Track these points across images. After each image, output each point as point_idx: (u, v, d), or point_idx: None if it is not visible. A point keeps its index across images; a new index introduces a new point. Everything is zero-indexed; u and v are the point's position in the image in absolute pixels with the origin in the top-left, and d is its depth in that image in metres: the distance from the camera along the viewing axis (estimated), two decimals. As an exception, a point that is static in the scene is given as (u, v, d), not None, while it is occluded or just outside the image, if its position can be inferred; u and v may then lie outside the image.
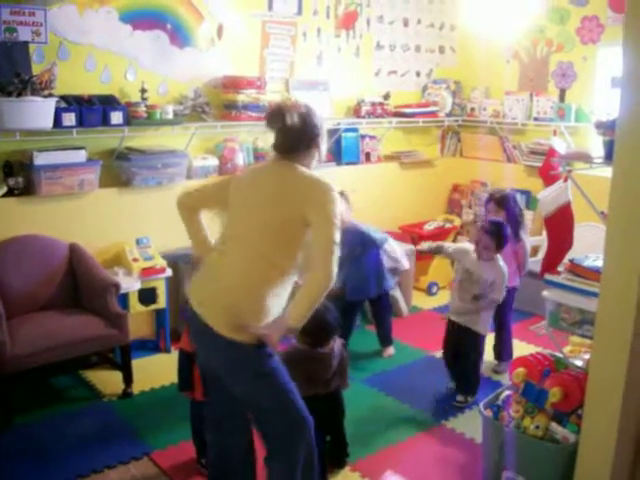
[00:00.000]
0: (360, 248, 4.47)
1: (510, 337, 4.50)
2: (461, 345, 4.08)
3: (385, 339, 4.77)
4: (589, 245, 3.49)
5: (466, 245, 4.19)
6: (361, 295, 4.62)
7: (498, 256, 3.97)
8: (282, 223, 2.57)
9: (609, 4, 5.38)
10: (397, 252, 4.86)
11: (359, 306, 4.79)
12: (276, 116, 2.66)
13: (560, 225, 3.14)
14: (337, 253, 2.51)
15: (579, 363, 3.32)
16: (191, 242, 2.99)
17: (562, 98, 5.83)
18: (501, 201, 4.36)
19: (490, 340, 4.52)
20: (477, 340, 4.03)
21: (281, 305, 2.64)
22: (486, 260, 3.94)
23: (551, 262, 3.18)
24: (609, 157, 2.81)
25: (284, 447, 2.65)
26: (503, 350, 4.49)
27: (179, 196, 2.91)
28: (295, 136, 2.66)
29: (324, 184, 2.58)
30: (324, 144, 2.78)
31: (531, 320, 5.26)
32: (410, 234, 6.00)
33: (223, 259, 2.66)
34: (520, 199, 5.98)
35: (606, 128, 2.87)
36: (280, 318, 2.60)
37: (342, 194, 3.96)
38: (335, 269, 2.50)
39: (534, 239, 5.68)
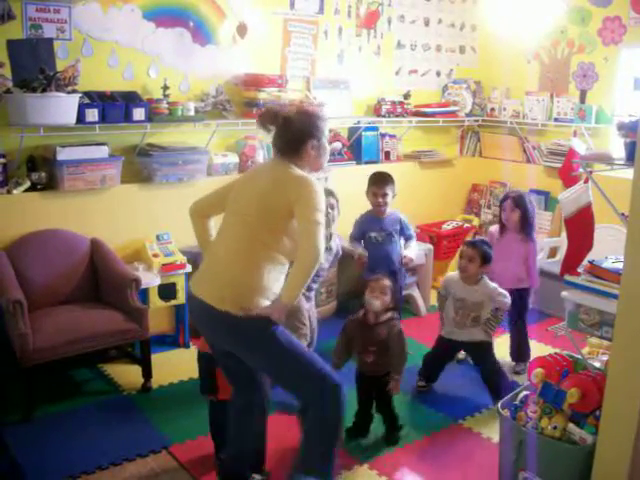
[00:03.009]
0: (396, 235, 4.62)
1: (527, 338, 4.50)
2: (475, 360, 4.16)
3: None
4: (609, 247, 3.49)
5: (449, 274, 4.24)
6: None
7: (484, 277, 4.01)
8: (268, 209, 2.75)
9: (632, 5, 5.35)
10: None
11: None
12: (265, 118, 2.88)
13: (580, 226, 3.13)
14: (321, 234, 2.67)
15: (597, 364, 3.31)
16: (201, 249, 3.19)
17: (583, 99, 5.81)
18: (518, 200, 4.39)
19: (506, 341, 4.54)
20: (485, 348, 4.04)
21: (279, 285, 2.79)
22: (472, 284, 3.99)
23: (571, 263, 3.17)
24: (630, 158, 2.80)
25: (312, 405, 2.79)
26: (521, 351, 4.49)
27: (191, 205, 3.11)
28: (284, 139, 2.84)
29: (306, 179, 2.76)
30: (318, 150, 2.88)
31: (550, 321, 5.24)
32: (428, 233, 5.99)
33: (219, 245, 2.87)
34: (539, 200, 6.00)
35: (628, 129, 2.86)
36: (277, 298, 2.76)
37: (331, 193, 4.08)
38: (321, 247, 2.66)
39: (553, 240, 5.68)
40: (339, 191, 5.03)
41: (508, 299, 3.98)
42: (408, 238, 4.69)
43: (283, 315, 2.75)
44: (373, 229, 4.56)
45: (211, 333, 2.91)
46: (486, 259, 3.96)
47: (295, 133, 2.81)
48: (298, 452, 2.87)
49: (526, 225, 4.37)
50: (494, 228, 4.59)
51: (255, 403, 3.01)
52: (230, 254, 2.78)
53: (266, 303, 2.74)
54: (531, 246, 4.42)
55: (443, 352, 4.19)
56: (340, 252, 4.33)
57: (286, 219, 2.74)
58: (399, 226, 4.64)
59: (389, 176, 4.58)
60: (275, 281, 2.78)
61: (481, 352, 4.04)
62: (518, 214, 4.36)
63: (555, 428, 2.96)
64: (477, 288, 3.99)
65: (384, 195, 4.52)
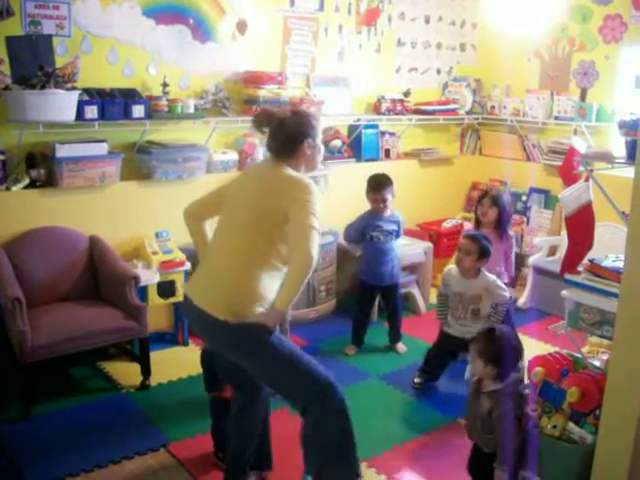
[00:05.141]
0: (394, 235, 4.63)
1: (515, 333, 4.48)
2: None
3: (397, 334, 4.78)
4: (609, 245, 3.48)
5: (447, 268, 4.22)
6: (379, 281, 4.66)
7: (483, 270, 4.01)
8: (265, 216, 2.72)
9: (632, 3, 5.33)
10: None
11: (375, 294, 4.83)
12: (259, 120, 2.89)
13: (581, 225, 3.12)
14: (316, 239, 2.63)
15: (597, 363, 3.31)
16: (196, 252, 3.16)
17: (583, 97, 5.79)
18: (497, 198, 4.47)
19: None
20: None
21: (274, 291, 2.76)
22: (471, 277, 3.98)
23: (571, 262, 3.16)
24: (631, 157, 2.80)
25: (310, 410, 2.77)
26: None
27: (185, 207, 3.09)
28: (279, 140, 2.83)
29: (301, 181, 2.74)
30: (313, 150, 2.88)
31: (549, 320, 5.23)
32: (428, 231, 5.99)
33: (215, 251, 2.86)
34: (539, 198, 6.00)
35: (629, 128, 2.86)
36: (271, 305, 2.73)
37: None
38: (314, 252, 2.60)
39: (552, 239, 5.67)
40: (339, 189, 5.06)
41: (507, 292, 3.98)
42: (397, 237, 4.72)
43: (278, 322, 2.74)
44: (374, 228, 4.55)
45: (206, 337, 2.92)
46: (484, 253, 3.95)
47: (291, 134, 2.81)
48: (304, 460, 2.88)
49: (501, 223, 4.46)
50: (469, 225, 4.61)
51: (256, 401, 3.00)
52: (226, 261, 2.76)
53: (261, 310, 2.71)
54: (508, 241, 4.50)
55: (445, 347, 4.17)
56: None
57: (281, 224, 2.70)
58: (397, 227, 4.65)
59: (387, 179, 4.57)
60: (271, 288, 2.76)
61: None
62: (495, 212, 4.44)
63: (555, 427, 2.97)
64: (475, 281, 3.97)
65: (384, 200, 4.52)
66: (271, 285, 2.76)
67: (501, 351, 2.90)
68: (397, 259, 4.71)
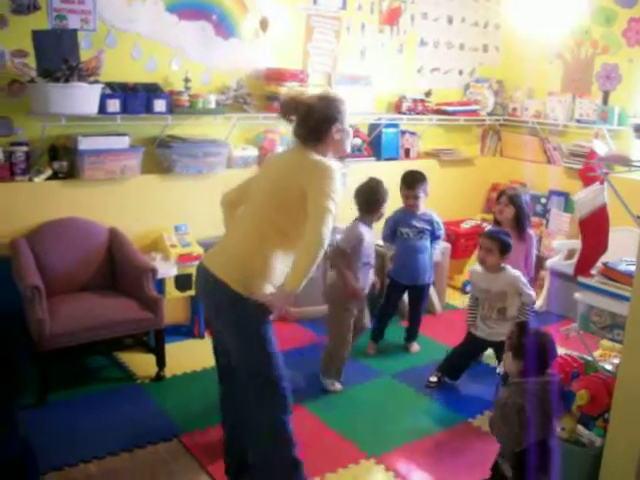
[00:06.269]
0: (426, 234, 4.64)
1: None
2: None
3: (414, 334, 4.79)
4: (624, 249, 3.46)
5: (472, 267, 4.21)
6: (409, 280, 4.67)
7: (506, 266, 4.00)
8: (285, 194, 2.76)
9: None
10: None
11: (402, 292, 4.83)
12: (287, 107, 2.92)
13: (595, 227, 3.11)
14: (330, 222, 2.64)
15: (609, 367, 3.30)
16: None
17: (605, 100, 5.76)
18: (514, 197, 4.50)
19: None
20: None
21: (285, 273, 2.79)
22: (494, 272, 3.98)
23: (585, 264, 3.16)
24: (648, 161, 2.80)
25: (255, 403, 2.83)
26: None
27: (222, 196, 3.13)
28: (307, 126, 2.84)
29: (324, 163, 2.75)
30: (342, 134, 2.89)
31: (565, 324, 5.19)
32: (447, 232, 5.98)
33: (235, 228, 2.92)
34: (558, 202, 5.98)
35: (645, 132, 2.86)
36: (280, 287, 2.76)
37: None
38: (325, 234, 2.62)
39: (571, 242, 5.64)
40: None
41: (532, 292, 3.97)
42: (435, 238, 4.72)
43: (287, 304, 2.76)
44: (404, 225, 4.56)
45: (213, 309, 2.91)
46: (505, 249, 3.95)
47: (319, 119, 2.82)
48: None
49: (520, 222, 4.47)
50: (489, 226, 4.62)
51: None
52: (244, 238, 2.80)
53: (270, 289, 2.75)
54: (528, 242, 4.51)
55: (470, 349, 4.18)
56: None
57: (299, 203, 2.70)
58: (430, 227, 4.65)
59: (421, 175, 4.60)
60: (282, 269, 2.78)
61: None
62: (512, 211, 4.47)
63: (564, 429, 2.97)
64: (499, 276, 3.98)
65: (415, 197, 4.55)
66: (283, 266, 2.79)
67: (530, 348, 2.90)
68: (429, 260, 4.70)
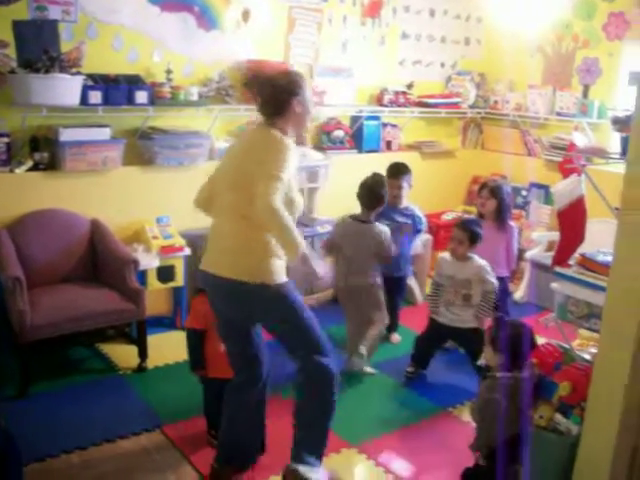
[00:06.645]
0: (406, 228, 4.68)
1: None
2: (466, 348, 4.17)
3: (394, 325, 4.82)
4: (602, 241, 3.51)
5: (440, 255, 4.28)
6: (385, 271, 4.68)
7: (473, 255, 4.06)
8: (245, 177, 2.77)
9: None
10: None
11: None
12: (250, 82, 2.91)
13: (573, 219, 3.15)
14: (276, 187, 2.65)
15: (587, 357, 3.35)
16: None
17: (586, 94, 5.81)
18: (495, 190, 4.54)
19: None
20: (476, 336, 3.92)
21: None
22: (462, 260, 4.04)
23: (562, 255, 3.20)
24: (625, 153, 2.83)
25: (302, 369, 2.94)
26: None
27: (194, 201, 3.10)
28: (268, 99, 2.90)
29: (280, 140, 2.80)
30: (303, 108, 2.92)
31: (544, 314, 5.26)
32: (428, 224, 6.01)
33: (221, 222, 2.92)
34: (539, 194, 6.03)
35: (622, 124, 2.89)
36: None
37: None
38: (272, 197, 2.62)
39: (551, 234, 5.69)
40: (340, 180, 5.09)
41: (495, 280, 4.03)
42: (416, 232, 4.77)
43: (314, 265, 2.86)
44: (386, 218, 4.58)
45: (227, 305, 2.95)
46: (474, 239, 4.02)
47: (278, 93, 2.87)
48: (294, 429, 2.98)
49: (501, 214, 4.52)
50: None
51: (257, 379, 3.08)
52: (233, 227, 2.83)
53: (279, 263, 2.83)
54: (509, 233, 4.55)
55: (433, 336, 4.22)
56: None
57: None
58: (411, 221, 4.68)
59: (404, 167, 4.64)
60: (268, 244, 2.82)
61: (472, 339, 3.99)
62: (494, 203, 4.51)
63: (541, 417, 3.00)
64: (466, 265, 4.04)
65: (399, 187, 4.58)
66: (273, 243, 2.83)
67: (506, 341, 2.93)
68: (407, 252, 4.75)
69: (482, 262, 4.05)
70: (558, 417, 3.00)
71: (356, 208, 4.32)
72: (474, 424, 3.06)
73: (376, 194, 4.19)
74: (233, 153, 3.00)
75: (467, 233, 4.01)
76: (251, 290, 2.79)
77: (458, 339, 4.23)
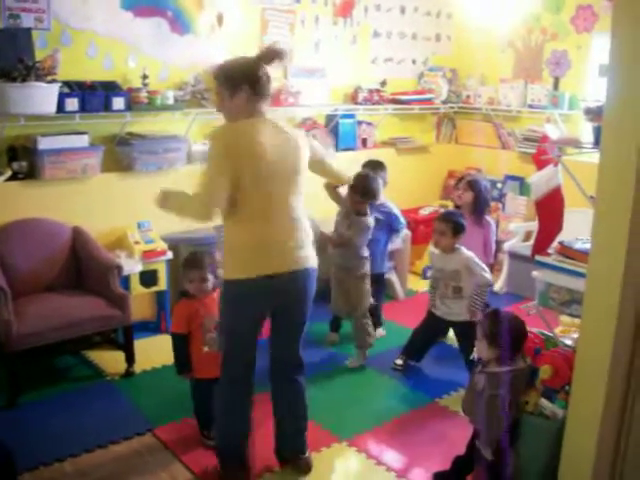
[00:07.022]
0: (385, 227, 4.73)
1: None
2: (459, 340, 4.22)
3: (378, 320, 4.86)
4: (580, 230, 3.58)
5: (430, 249, 4.33)
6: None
7: (460, 247, 4.10)
8: (297, 176, 3.03)
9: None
10: None
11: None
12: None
13: (550, 208, 3.21)
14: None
15: (569, 342, 3.42)
16: None
17: (556, 86, 5.91)
18: (472, 183, 4.61)
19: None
20: (469, 328, 3.86)
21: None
22: (449, 252, 4.08)
23: (541, 244, 3.26)
24: (598, 142, 2.90)
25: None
26: None
27: (208, 212, 2.85)
28: (217, 90, 3.05)
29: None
30: (236, 94, 2.99)
31: (523, 303, 5.32)
32: (406, 219, 6.07)
33: (278, 218, 3.00)
34: (513, 186, 6.12)
35: (594, 114, 2.96)
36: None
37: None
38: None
39: (527, 224, 5.79)
40: (315, 178, 5.09)
41: (488, 274, 4.06)
42: (394, 231, 4.81)
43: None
44: None
45: (293, 296, 3.05)
46: (457, 230, 4.05)
47: (222, 84, 3.04)
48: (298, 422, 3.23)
49: (477, 207, 4.58)
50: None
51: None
52: (293, 221, 2.99)
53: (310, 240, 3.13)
54: (486, 227, 4.62)
55: (430, 328, 4.28)
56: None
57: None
58: (388, 219, 4.73)
59: (379, 164, 4.68)
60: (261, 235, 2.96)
61: (465, 332, 4.00)
62: (471, 196, 4.58)
63: (527, 403, 3.07)
64: (453, 256, 4.07)
65: None
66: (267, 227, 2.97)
67: (505, 334, 2.98)
68: (384, 248, 4.79)
69: (469, 253, 4.08)
70: (544, 402, 3.07)
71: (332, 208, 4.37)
72: (468, 416, 3.13)
73: (372, 187, 4.24)
74: (280, 151, 2.94)
75: (449, 224, 4.04)
76: (315, 276, 3.10)
77: (456, 333, 4.25)
